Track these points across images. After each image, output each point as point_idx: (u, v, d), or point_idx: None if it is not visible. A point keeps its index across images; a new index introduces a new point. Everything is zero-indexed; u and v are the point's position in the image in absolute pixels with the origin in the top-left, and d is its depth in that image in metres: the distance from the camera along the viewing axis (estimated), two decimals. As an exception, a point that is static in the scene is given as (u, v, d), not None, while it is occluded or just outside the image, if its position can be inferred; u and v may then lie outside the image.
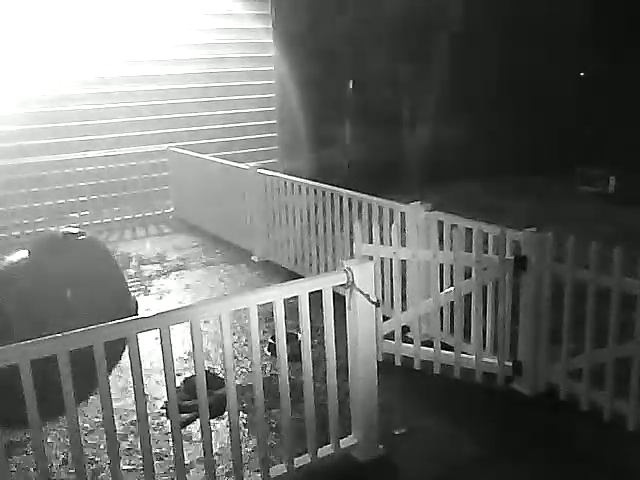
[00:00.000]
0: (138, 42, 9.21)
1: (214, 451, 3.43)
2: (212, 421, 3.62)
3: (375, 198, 5.51)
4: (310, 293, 3.33)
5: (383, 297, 5.10)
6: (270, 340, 4.89)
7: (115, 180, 9.06)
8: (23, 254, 5.35)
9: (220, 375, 4.43)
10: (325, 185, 6.16)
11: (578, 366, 4.07)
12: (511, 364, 4.36)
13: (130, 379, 3.00)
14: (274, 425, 3.96)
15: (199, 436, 3.51)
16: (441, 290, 4.78)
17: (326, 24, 10.27)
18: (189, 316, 3.09)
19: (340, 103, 10.62)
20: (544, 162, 10.51)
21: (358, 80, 10.62)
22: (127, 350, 2.92)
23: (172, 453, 3.25)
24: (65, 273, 5.22)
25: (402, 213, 5.15)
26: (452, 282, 4.64)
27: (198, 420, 3.45)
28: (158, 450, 3.79)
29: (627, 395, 3.80)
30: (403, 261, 4.71)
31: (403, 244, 4.73)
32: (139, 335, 2.94)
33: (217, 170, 8.09)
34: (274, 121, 10.55)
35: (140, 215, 9.26)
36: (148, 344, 4.78)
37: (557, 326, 4.11)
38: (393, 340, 4.71)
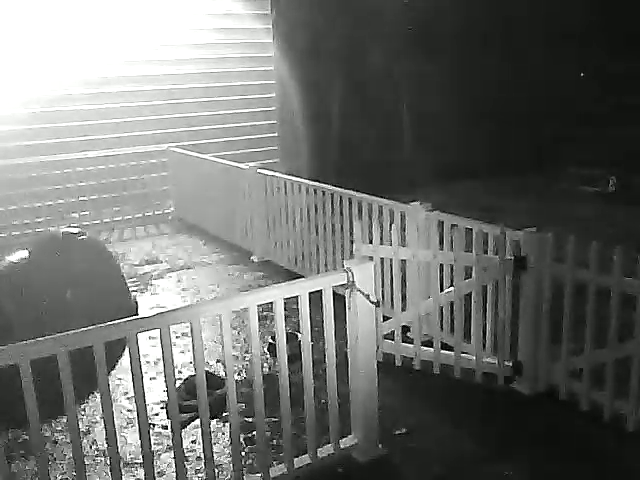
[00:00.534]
0: (138, 42, 9.21)
1: (214, 451, 3.43)
2: (212, 421, 3.62)
3: (375, 198, 5.51)
4: (310, 293, 3.34)
5: (383, 297, 5.10)
6: (270, 340, 4.89)
7: (115, 180, 9.06)
8: (23, 254, 5.35)
9: (220, 375, 4.43)
10: (325, 185, 6.16)
11: (578, 366, 4.07)
12: (511, 364, 4.36)
13: (130, 379, 3.00)
14: (274, 425, 3.96)
15: (199, 436, 3.50)
16: (441, 290, 4.78)
17: (326, 24, 10.27)
18: (189, 316, 3.09)
19: (340, 103, 10.61)
20: (544, 162, 10.51)
21: (358, 80, 10.61)
22: (127, 350, 2.93)
23: (172, 453, 3.25)
24: (65, 273, 5.22)
25: (402, 213, 5.15)
26: (452, 282, 4.64)
27: (198, 420, 3.44)
28: (158, 450, 3.79)
29: (627, 395, 3.80)
30: (403, 261, 4.71)
31: (403, 244, 4.73)
32: (139, 335, 2.94)
33: (217, 170, 8.09)
34: (274, 121, 10.55)
35: (140, 215, 9.26)
36: (147, 344, 4.79)
37: (557, 326, 4.11)
38: (393, 340, 4.71)
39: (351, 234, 5.22)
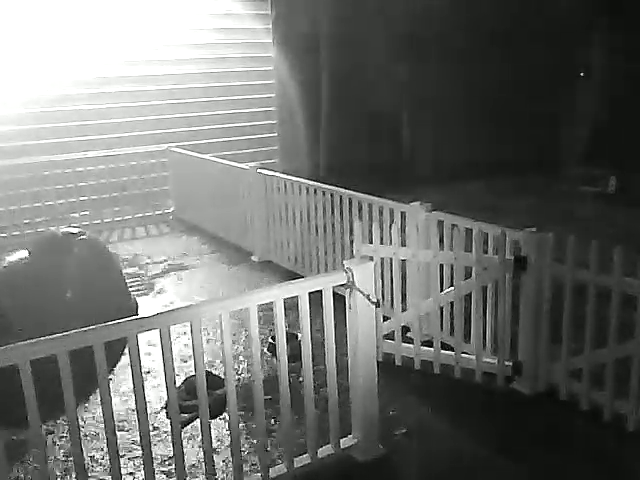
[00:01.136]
0: (138, 42, 9.22)
1: (214, 451, 3.43)
2: (212, 421, 3.62)
3: (375, 198, 5.51)
4: (310, 293, 3.34)
5: (383, 297, 5.10)
6: (270, 340, 4.89)
7: (115, 180, 9.06)
8: (23, 254, 5.35)
9: (220, 375, 4.43)
10: (325, 185, 6.16)
11: (578, 366, 4.07)
12: (511, 364, 4.36)
13: (130, 379, 3.00)
14: (274, 425, 3.96)
15: (199, 436, 3.50)
16: (441, 290, 4.78)
17: (326, 24, 10.27)
18: (189, 316, 3.09)
19: (340, 103, 10.61)
20: (544, 162, 10.51)
21: (358, 80, 10.61)
22: (127, 350, 2.93)
23: (172, 453, 3.25)
24: (65, 273, 5.22)
25: (402, 213, 5.15)
26: (452, 282, 4.64)
27: (198, 420, 3.44)
28: (158, 450, 3.79)
29: (627, 395, 3.80)
30: (403, 261, 4.71)
31: (403, 244, 4.73)
32: (139, 335, 2.94)
33: (217, 170, 8.09)
34: (274, 121, 10.56)
35: (140, 215, 9.26)
36: (147, 344, 4.79)
37: (557, 326, 4.11)
38: (393, 340, 4.71)
39: (351, 234, 5.22)
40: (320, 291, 3.37)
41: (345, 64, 10.51)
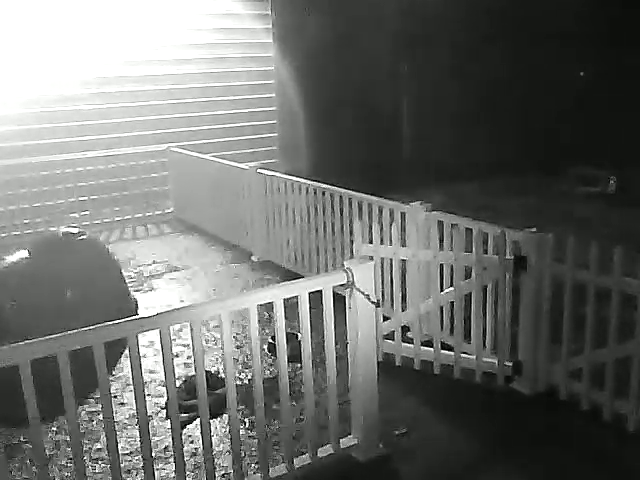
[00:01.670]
0: (138, 42, 9.22)
1: (214, 451, 3.43)
2: (212, 421, 3.62)
3: (375, 198, 5.51)
4: (310, 293, 3.34)
5: (383, 297, 5.10)
6: (270, 340, 4.89)
7: (115, 180, 9.06)
8: (23, 254, 5.35)
9: (220, 375, 4.43)
10: (325, 185, 6.16)
11: (578, 366, 4.07)
12: (511, 364, 4.36)
13: (130, 379, 3.00)
14: (274, 425, 3.96)
15: (199, 436, 3.50)
16: (441, 290, 4.78)
17: (326, 24, 10.27)
18: (189, 316, 3.09)
19: (339, 103, 10.61)
20: (544, 162, 10.51)
21: (357, 80, 10.61)
22: (127, 350, 2.93)
23: (172, 453, 3.25)
24: (65, 273, 5.22)
25: (402, 213, 5.16)
26: (452, 282, 4.64)
27: (198, 420, 3.44)
28: (158, 450, 3.79)
29: (627, 395, 3.80)
30: (403, 261, 4.71)
31: (403, 244, 4.73)
32: (139, 335, 2.94)
33: (217, 170, 8.09)
34: (274, 121, 10.55)
35: (140, 215, 9.26)
36: (147, 344, 4.79)
37: (557, 326, 4.11)
38: (393, 340, 4.71)
39: (351, 234, 5.22)
40: (320, 291, 3.37)
41: (345, 64, 10.50)
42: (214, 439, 3.68)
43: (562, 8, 11.27)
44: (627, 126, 10.41)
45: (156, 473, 3.27)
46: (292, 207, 6.63)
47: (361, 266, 3.43)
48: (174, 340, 4.50)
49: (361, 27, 10.52)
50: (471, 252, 4.35)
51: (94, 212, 8.94)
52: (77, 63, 8.82)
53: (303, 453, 3.54)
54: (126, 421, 4.13)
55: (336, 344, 3.47)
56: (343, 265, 3.47)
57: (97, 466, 3.72)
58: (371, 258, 3.82)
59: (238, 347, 5.09)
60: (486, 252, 4.46)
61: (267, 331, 5.08)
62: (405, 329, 4.87)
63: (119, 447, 3.12)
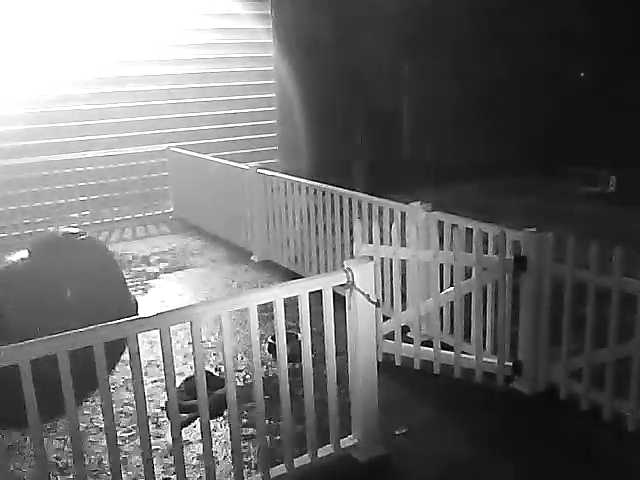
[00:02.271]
0: (138, 42, 9.22)
1: (214, 451, 3.43)
2: (212, 421, 3.62)
3: (375, 198, 5.51)
4: (310, 293, 3.34)
5: (383, 297, 5.10)
6: (270, 340, 4.89)
7: (115, 180, 9.06)
8: (23, 254, 5.35)
9: (220, 375, 4.43)
10: (325, 185, 6.16)
11: (578, 366, 4.07)
12: (511, 364, 4.36)
13: (130, 378, 3.00)
14: (274, 425, 3.95)
15: (199, 436, 3.50)
16: (441, 290, 4.78)
17: (326, 24, 10.27)
18: (189, 316, 3.09)
19: (339, 103, 10.61)
20: (544, 162, 10.51)
21: (358, 80, 10.62)
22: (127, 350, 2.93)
23: (172, 453, 3.25)
24: (65, 273, 5.21)
25: (402, 213, 5.16)
26: (452, 282, 4.64)
27: (198, 420, 3.44)
28: (158, 450, 3.79)
29: (627, 395, 3.80)
30: (403, 261, 4.71)
31: (403, 244, 4.73)
32: (139, 335, 2.94)
33: (217, 170, 8.09)
34: (274, 121, 10.55)
35: (140, 215, 9.26)
36: (148, 344, 4.79)
37: (557, 326, 4.11)
38: (393, 340, 4.71)
39: (351, 234, 5.22)
40: (320, 291, 3.37)
41: (344, 64, 10.51)
42: (214, 439, 3.67)
43: (562, 8, 11.27)
44: (627, 126, 10.41)
45: (156, 473, 3.27)
46: (292, 207, 6.63)
47: (361, 266, 3.43)
48: (173, 340, 4.50)
49: (361, 27, 10.52)
50: (471, 252, 4.35)
51: (94, 212, 8.94)
52: (77, 63, 8.82)
53: (303, 453, 3.54)
54: (126, 421, 4.14)
55: (336, 344, 3.47)
56: (343, 265, 3.47)
57: (97, 466, 3.72)
58: (371, 258, 3.81)
59: (238, 347, 5.09)
60: (486, 252, 4.46)
61: (267, 331, 5.07)
62: (405, 329, 4.87)
63: (119, 447, 3.11)
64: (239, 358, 4.93)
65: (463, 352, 4.50)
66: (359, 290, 3.39)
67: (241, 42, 10.10)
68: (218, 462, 3.63)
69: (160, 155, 9.35)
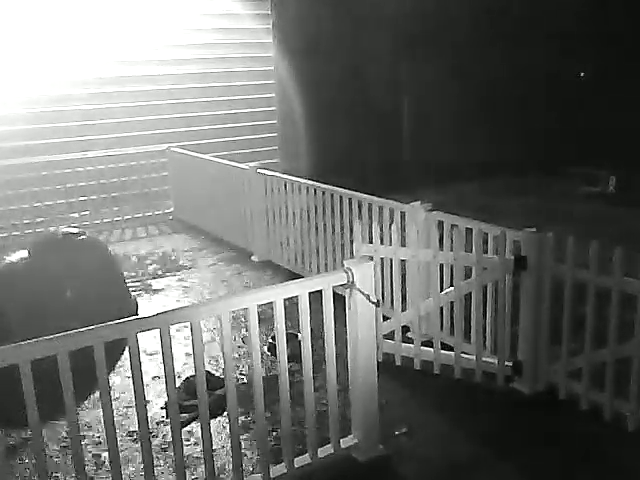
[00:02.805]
0: (138, 42, 9.21)
1: (214, 451, 3.43)
2: (212, 421, 3.62)
3: (375, 198, 5.51)
4: (310, 293, 3.34)
5: (383, 297, 5.10)
6: (270, 340, 4.89)
7: (115, 180, 9.06)
8: (23, 254, 5.35)
9: (220, 375, 4.43)
10: (325, 185, 6.16)
11: (578, 366, 4.07)
12: (511, 364, 4.36)
13: (130, 378, 3.00)
14: (274, 425, 3.95)
15: (199, 436, 3.50)
16: (441, 290, 4.78)
17: (326, 23, 10.27)
18: (189, 316, 3.09)
19: (339, 103, 10.61)
20: (544, 162, 10.52)
21: (358, 79, 10.62)
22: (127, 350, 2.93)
23: (172, 453, 3.25)
24: (65, 273, 5.22)
25: (402, 213, 5.16)
26: (452, 282, 4.64)
27: (198, 420, 3.45)
28: (158, 450, 3.79)
29: (627, 395, 3.80)
30: (403, 261, 4.71)
31: (403, 244, 4.73)
32: (139, 335, 2.94)
33: (217, 170, 8.09)
34: (274, 121, 10.55)
35: (140, 215, 9.26)
36: (148, 344, 4.79)
37: (557, 326, 4.11)
38: (393, 340, 4.71)
39: (351, 234, 5.22)
40: (320, 291, 3.37)
41: (345, 63, 10.51)
42: (214, 439, 3.67)
43: (562, 8, 11.28)
44: (627, 126, 10.41)
45: (156, 473, 3.27)
46: (292, 207, 6.63)
47: (361, 266, 3.43)
48: (174, 338, 4.50)
49: (361, 27, 10.52)
50: (471, 252, 4.35)
51: (94, 212, 8.94)
52: (77, 63, 8.82)
53: (303, 453, 3.54)
54: (126, 421, 4.14)
55: (336, 344, 3.47)
56: (343, 265, 3.47)
57: (97, 466, 3.72)
58: (371, 258, 3.82)
59: (238, 347, 5.10)
60: (486, 252, 4.46)
61: (266, 332, 5.07)
62: (405, 329, 4.87)
63: (119, 447, 3.12)
64: (239, 358, 4.92)
65: (463, 352, 4.50)
66: (359, 290, 3.40)
67: (241, 42, 10.10)
68: (218, 462, 3.63)
69: (160, 155, 9.35)
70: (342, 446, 3.61)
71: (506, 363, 4.36)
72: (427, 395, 4.36)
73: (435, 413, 4.14)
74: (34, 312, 4.87)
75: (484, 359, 4.45)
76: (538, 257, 4.12)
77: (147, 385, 4.26)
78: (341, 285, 3.42)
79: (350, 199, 5.80)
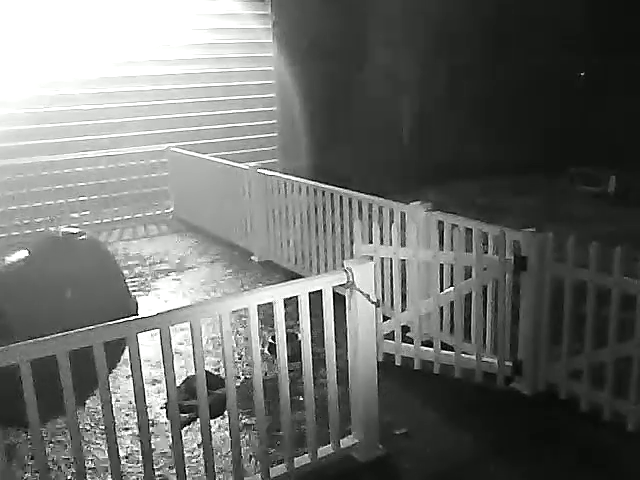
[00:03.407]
0: (138, 42, 9.21)
1: (214, 451, 3.43)
2: (212, 421, 3.62)
3: (375, 198, 5.51)
4: (310, 293, 3.33)
5: (383, 297, 5.10)
6: (270, 340, 4.89)
7: (115, 180, 9.06)
8: (23, 254, 5.35)
9: (220, 375, 4.43)
10: (325, 185, 6.16)
11: (578, 366, 4.07)
12: (511, 364, 4.36)
13: (130, 379, 3.00)
14: (274, 425, 3.95)
15: (199, 436, 3.50)
16: (441, 290, 4.78)
17: (326, 23, 10.27)
18: (189, 316, 3.09)
19: (340, 103, 10.61)
20: (544, 162, 10.51)
21: (358, 79, 10.62)
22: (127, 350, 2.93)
23: (172, 453, 3.25)
24: (65, 273, 5.22)
25: (402, 213, 5.16)
26: (452, 282, 4.64)
27: (198, 420, 3.44)
28: (158, 450, 3.79)
29: (627, 395, 3.80)
30: (403, 261, 4.71)
31: (403, 244, 4.73)
32: (139, 335, 2.94)
33: (217, 170, 8.08)
34: (274, 121, 10.55)
35: (140, 215, 9.26)
36: (148, 344, 4.79)
37: (557, 326, 4.11)
38: (393, 340, 4.71)
39: (351, 234, 5.22)
40: (320, 291, 3.37)
41: (345, 63, 10.51)
42: (214, 439, 3.67)
43: (563, 9, 11.27)
44: (627, 126, 10.41)
45: (156, 473, 3.27)
46: (292, 207, 6.63)
47: (361, 266, 3.43)
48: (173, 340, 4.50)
49: (361, 27, 10.52)
50: (471, 252, 4.35)
51: (94, 212, 8.94)
52: (77, 63, 8.81)
53: (303, 453, 3.54)
54: (126, 421, 4.14)
55: (336, 344, 3.47)
56: (343, 265, 3.47)
57: (96, 466, 3.72)
58: (371, 258, 3.82)
59: (238, 347, 5.09)
60: (486, 252, 4.46)
61: (267, 332, 5.07)
62: (405, 329, 4.87)
63: (119, 448, 3.12)
64: (239, 358, 4.92)
65: (463, 352, 4.50)
66: (359, 290, 3.40)
67: (241, 42, 10.09)
68: (218, 462, 3.63)
69: (160, 155, 9.35)
70: (342, 446, 3.61)
71: (506, 363, 4.36)
72: (427, 395, 4.36)
73: (435, 413, 4.14)
74: (34, 312, 4.87)
75: (484, 359, 4.45)
76: (538, 257, 4.12)
77: (146, 381, 4.27)
78: (341, 285, 3.42)
79: (350, 199, 5.80)
